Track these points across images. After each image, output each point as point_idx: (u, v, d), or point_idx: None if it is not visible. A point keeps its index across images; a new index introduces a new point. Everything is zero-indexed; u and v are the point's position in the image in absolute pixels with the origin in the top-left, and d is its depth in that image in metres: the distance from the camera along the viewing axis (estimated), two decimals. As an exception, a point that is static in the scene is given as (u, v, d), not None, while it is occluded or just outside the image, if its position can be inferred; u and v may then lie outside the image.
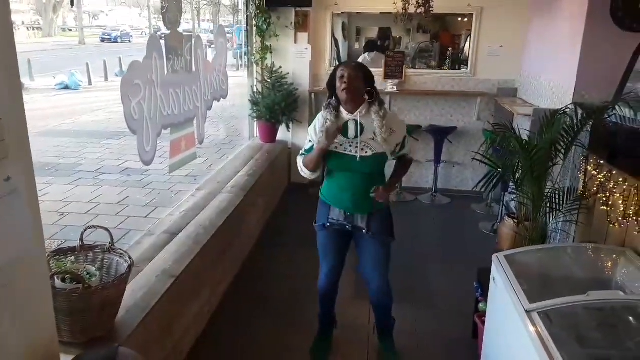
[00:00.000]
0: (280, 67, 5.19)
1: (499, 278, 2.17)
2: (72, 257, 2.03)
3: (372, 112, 2.33)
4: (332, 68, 5.39)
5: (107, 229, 2.09)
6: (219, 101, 3.77)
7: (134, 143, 2.54)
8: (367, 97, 2.36)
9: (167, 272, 2.44)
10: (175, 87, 3.02)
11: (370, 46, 6.24)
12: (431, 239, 4.45)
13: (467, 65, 5.38)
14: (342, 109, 2.39)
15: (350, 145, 2.33)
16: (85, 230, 2.08)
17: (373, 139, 2.32)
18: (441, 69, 5.86)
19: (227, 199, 3.56)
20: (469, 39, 5.96)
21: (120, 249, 2.09)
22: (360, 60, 6.08)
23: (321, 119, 2.40)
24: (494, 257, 2.27)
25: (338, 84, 2.32)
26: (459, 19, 6.14)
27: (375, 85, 2.42)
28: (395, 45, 6.82)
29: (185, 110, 3.18)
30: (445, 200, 5.30)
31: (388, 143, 2.33)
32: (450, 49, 6.34)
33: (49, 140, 7.60)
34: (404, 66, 5.30)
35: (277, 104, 4.99)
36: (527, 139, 3.66)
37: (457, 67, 5.96)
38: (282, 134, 5.36)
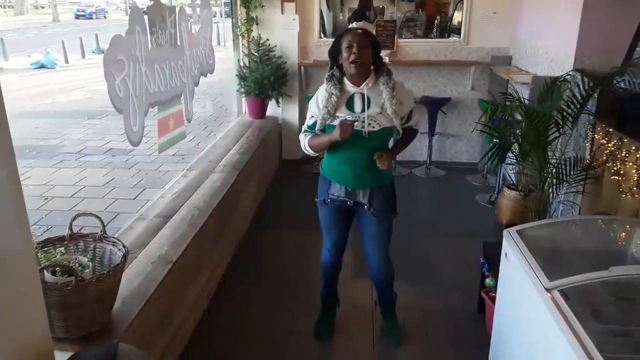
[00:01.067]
0: (268, 40, 4.99)
1: (512, 254, 2.09)
2: (62, 247, 1.89)
3: (381, 84, 2.18)
4: (321, 39, 5.27)
5: (97, 216, 1.95)
6: (205, 76, 3.60)
7: (116, 123, 2.41)
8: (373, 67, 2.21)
9: (164, 257, 2.32)
10: (160, 63, 2.85)
11: (356, 16, 6.04)
12: (428, 213, 4.38)
13: (457, 34, 5.23)
14: (346, 80, 2.22)
15: (356, 120, 2.17)
16: (75, 218, 1.94)
17: (381, 113, 2.18)
18: (428, 38, 5.71)
19: (220, 178, 3.42)
20: (457, 7, 5.83)
21: (113, 237, 1.96)
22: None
23: (324, 93, 2.22)
24: (505, 232, 2.18)
25: (345, 54, 2.14)
26: (445, -14, 5.98)
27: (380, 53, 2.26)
28: (376, 15, 6.64)
29: (172, 86, 3.02)
30: (440, 173, 5.23)
31: (397, 116, 2.19)
32: (438, 17, 6.17)
33: (28, 122, 7.32)
34: (396, 36, 5.13)
35: (266, 78, 4.81)
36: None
37: (445, 35, 5.82)
38: (272, 109, 5.20)
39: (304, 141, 2.37)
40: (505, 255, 2.19)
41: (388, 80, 2.18)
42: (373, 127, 2.18)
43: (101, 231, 1.96)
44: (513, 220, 3.81)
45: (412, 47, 5.18)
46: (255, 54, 4.97)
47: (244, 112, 5.24)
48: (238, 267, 3.36)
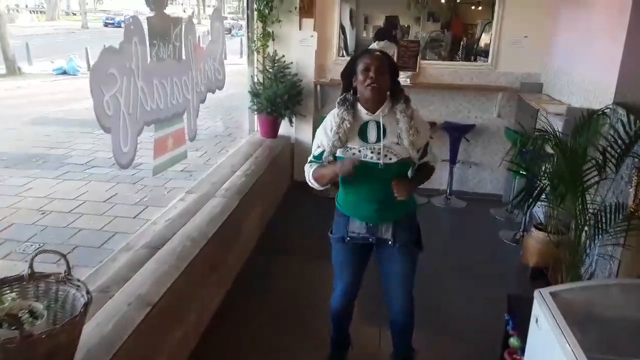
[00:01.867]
0: (283, 56, 4.76)
1: (544, 321, 1.77)
2: (18, 289, 1.64)
3: (398, 111, 1.98)
4: (340, 58, 5.02)
5: (62, 255, 1.70)
6: (213, 93, 3.37)
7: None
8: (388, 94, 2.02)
9: (143, 298, 2.05)
10: (161, 78, 2.62)
11: (380, 34, 5.80)
12: (446, 248, 4.04)
13: (484, 57, 4.93)
14: (359, 106, 2.02)
15: (372, 152, 1.97)
16: (37, 254, 1.68)
17: (397, 143, 1.98)
18: (453, 61, 5.44)
19: (221, 203, 3.16)
20: (485, 28, 5.55)
21: (78, 280, 1.69)
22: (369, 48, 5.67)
23: (335, 118, 2.02)
24: (536, 294, 1.87)
25: (361, 77, 1.96)
26: (472, 7, 5.71)
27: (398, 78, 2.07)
28: (404, 35, 6.40)
29: (174, 103, 2.79)
30: (460, 204, 4.89)
31: (414, 148, 1.98)
32: (464, 38, 5.91)
33: (41, 129, 7.22)
34: (419, 57, 4.86)
35: (279, 96, 4.57)
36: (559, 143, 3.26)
37: (471, 58, 5.54)
38: (285, 128, 4.94)
39: (309, 172, 2.18)
40: (536, 320, 1.87)
41: (405, 108, 1.99)
42: (390, 158, 1.97)
43: (65, 272, 1.70)
44: (540, 264, 3.47)
45: (436, 69, 4.89)
46: (270, 70, 4.74)
47: (255, 129, 5.00)
48: (234, 301, 3.08)
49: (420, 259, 2.27)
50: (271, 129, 4.80)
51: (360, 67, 1.96)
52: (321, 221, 4.29)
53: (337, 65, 4.99)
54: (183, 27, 2.86)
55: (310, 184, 2.21)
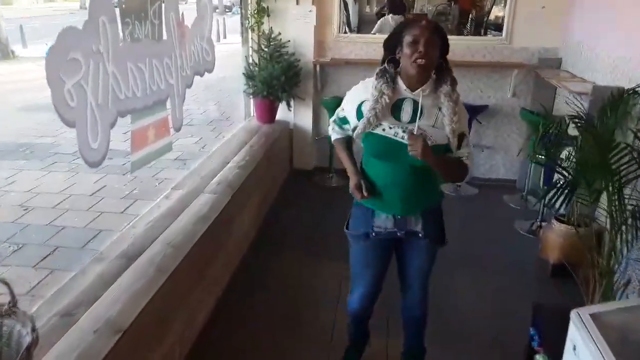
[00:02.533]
0: (280, 34, 4.40)
1: (584, 349, 1.48)
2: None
3: (442, 94, 1.76)
4: (342, 35, 4.65)
5: (6, 283, 1.41)
6: (202, 76, 3.07)
7: (123, 120, 2.03)
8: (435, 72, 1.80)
9: (112, 323, 1.77)
10: (137, 61, 2.31)
11: (396, 6, 5.38)
12: (457, 241, 3.66)
13: (494, 30, 4.55)
14: (399, 81, 1.79)
15: (404, 131, 1.75)
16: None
17: (434, 126, 1.76)
18: (461, 35, 5.06)
19: (210, 201, 2.86)
20: (495, 0, 5.17)
21: (24, 313, 1.41)
22: (381, 24, 5.27)
23: (373, 91, 1.78)
24: (573, 314, 1.57)
25: (408, 50, 1.71)
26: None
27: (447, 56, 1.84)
28: (409, 9, 6.01)
29: (154, 89, 2.49)
30: (472, 191, 4.57)
31: (454, 135, 1.76)
32: (473, 11, 5.51)
33: (32, 116, 6.91)
34: (426, 32, 4.47)
35: (275, 78, 4.22)
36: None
37: (481, 32, 5.17)
38: (283, 112, 4.61)
39: (333, 135, 2.09)
40: (574, 348, 1.57)
41: (452, 92, 1.77)
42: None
43: (10, 303, 1.42)
44: (562, 260, 3.16)
45: (445, 45, 4.50)
46: (265, 49, 4.38)
47: (252, 114, 4.67)
48: (232, 300, 2.83)
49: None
50: (268, 114, 4.47)
51: (407, 38, 1.71)
52: (323, 213, 4.01)
53: (338, 42, 4.62)
54: (163, 3, 2.54)
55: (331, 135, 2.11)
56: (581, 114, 2.73)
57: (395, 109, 1.78)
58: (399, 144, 1.75)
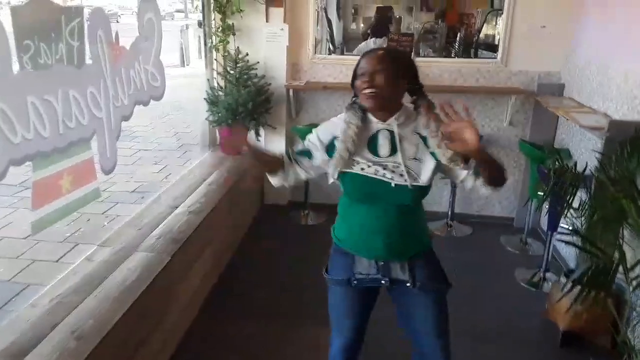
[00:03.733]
0: (247, 55, 3.88)
1: None
2: None
3: (419, 123, 1.63)
4: (319, 55, 4.16)
5: None
6: (146, 104, 2.58)
7: None
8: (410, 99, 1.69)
9: None
10: (43, 93, 1.79)
11: (377, 30, 4.93)
12: (451, 294, 3.19)
13: (485, 50, 4.08)
14: (369, 115, 1.67)
15: (384, 168, 1.61)
16: None
17: (416, 158, 1.62)
18: (449, 56, 4.61)
19: (144, 262, 2.30)
20: (487, 18, 4.75)
21: None
22: (360, 48, 4.80)
23: (340, 124, 1.67)
24: None
25: (359, 82, 1.62)
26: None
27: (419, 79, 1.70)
28: (397, 28, 5.56)
29: (71, 127, 1.99)
30: (465, 230, 4.05)
31: (446, 156, 1.56)
32: (461, 29, 5.07)
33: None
34: (412, 53, 3.99)
35: (242, 104, 3.70)
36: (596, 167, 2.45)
37: (471, 52, 4.74)
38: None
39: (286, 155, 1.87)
40: None
41: (428, 121, 1.60)
42: (405, 179, 1.59)
43: None
44: (575, 327, 2.64)
45: (434, 67, 4.02)
46: (231, 72, 3.86)
47: (217, 143, 4.13)
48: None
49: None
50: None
51: (358, 71, 1.62)
52: (298, 259, 3.48)
53: (314, 65, 4.11)
54: (86, 20, 2.04)
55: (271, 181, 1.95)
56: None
57: (371, 144, 1.64)
58: (381, 183, 1.60)
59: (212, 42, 3.91)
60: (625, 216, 2.52)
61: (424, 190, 1.63)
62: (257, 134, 3.92)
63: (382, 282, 1.73)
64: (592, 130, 2.76)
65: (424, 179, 1.60)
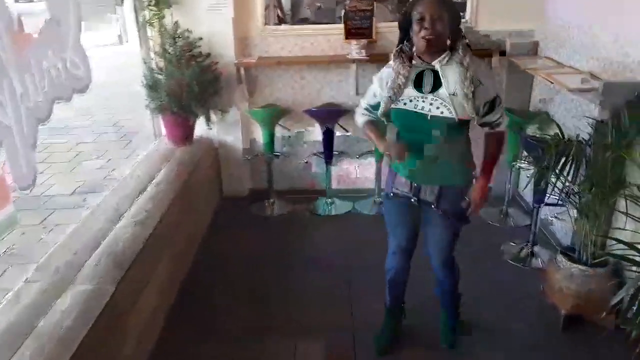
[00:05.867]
0: (188, 30, 3.38)
1: None
2: None
3: (455, 60, 1.84)
4: (269, 27, 3.70)
5: None
6: (69, 100, 2.13)
7: None
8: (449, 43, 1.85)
9: None
10: None
11: None
12: (427, 280, 2.93)
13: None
14: (417, 57, 1.89)
15: (424, 101, 1.89)
16: None
17: (454, 95, 1.84)
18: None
19: (84, 296, 1.88)
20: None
21: None
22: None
23: (390, 73, 1.93)
24: None
25: (416, 27, 1.81)
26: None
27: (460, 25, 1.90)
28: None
29: None
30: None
31: (472, 99, 1.83)
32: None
33: None
34: (374, 19, 3.60)
35: (186, 88, 3.23)
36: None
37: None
38: (205, 127, 3.60)
39: (361, 120, 2.18)
40: None
41: (463, 57, 1.83)
42: (442, 112, 1.86)
43: None
44: (578, 310, 2.44)
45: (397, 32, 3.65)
46: (170, 51, 3.36)
47: (163, 133, 3.65)
48: None
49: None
50: (182, 133, 3.47)
51: (415, 16, 1.81)
52: (264, 258, 3.17)
53: (266, 38, 3.66)
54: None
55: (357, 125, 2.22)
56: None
57: (417, 81, 1.89)
58: (419, 116, 1.88)
59: (145, 17, 3.38)
60: (624, 185, 2.31)
61: (457, 123, 1.85)
62: (208, 121, 3.46)
63: (412, 199, 2.04)
64: (583, 94, 2.49)
65: (459, 113, 1.83)
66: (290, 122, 3.82)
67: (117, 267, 2.08)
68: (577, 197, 2.46)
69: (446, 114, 1.84)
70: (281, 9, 4.62)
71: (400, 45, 1.91)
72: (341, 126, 3.73)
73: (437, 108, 1.86)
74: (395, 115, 1.95)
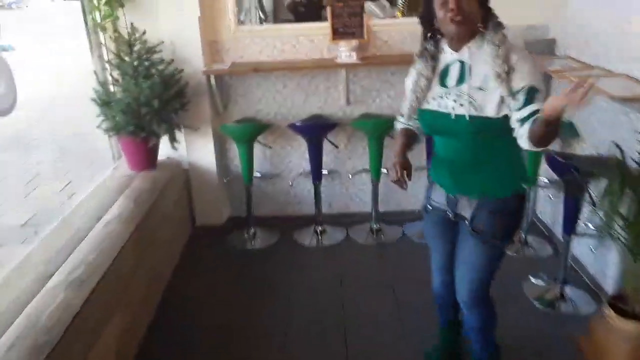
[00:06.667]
0: (145, 33, 2.85)
1: None
2: None
3: (486, 40, 1.56)
4: (243, 27, 3.15)
5: None
6: None
7: None
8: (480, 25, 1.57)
9: None
10: None
11: None
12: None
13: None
14: (445, 48, 1.65)
15: (447, 98, 1.62)
16: None
17: (481, 88, 1.56)
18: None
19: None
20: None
21: None
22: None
23: (414, 75, 1.71)
24: None
25: (441, 14, 1.56)
26: None
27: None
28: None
29: None
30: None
31: (506, 80, 1.51)
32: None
33: None
34: (364, 16, 3.10)
35: (145, 104, 2.70)
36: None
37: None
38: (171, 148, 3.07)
39: (397, 127, 1.92)
40: None
41: (494, 35, 1.55)
42: (467, 109, 1.57)
43: None
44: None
45: (393, 30, 3.15)
46: (126, 58, 2.83)
47: (122, 156, 3.11)
48: None
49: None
50: (141, 157, 2.94)
51: (436, 1, 1.56)
52: (243, 303, 2.77)
53: (240, 39, 3.14)
54: None
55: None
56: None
57: (443, 75, 1.66)
58: (442, 116, 1.64)
59: (94, 20, 2.85)
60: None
61: (487, 122, 1.56)
62: (172, 141, 2.93)
63: (448, 213, 1.78)
64: (629, 103, 1.99)
65: (488, 111, 1.55)
66: (271, 138, 3.31)
67: (58, 321, 1.55)
68: (627, 231, 1.97)
69: (472, 111, 1.57)
70: (262, 10, 4.12)
71: (425, 45, 1.68)
72: (331, 142, 3.22)
73: (461, 105, 1.59)
74: (420, 118, 1.74)
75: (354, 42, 3.04)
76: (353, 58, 3.01)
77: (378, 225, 3.30)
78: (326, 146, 3.21)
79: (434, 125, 1.71)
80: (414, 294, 2.59)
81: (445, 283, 1.96)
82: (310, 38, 3.11)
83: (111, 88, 2.92)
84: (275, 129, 3.26)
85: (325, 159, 3.25)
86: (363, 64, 3.04)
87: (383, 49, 3.15)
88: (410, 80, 1.74)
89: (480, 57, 1.58)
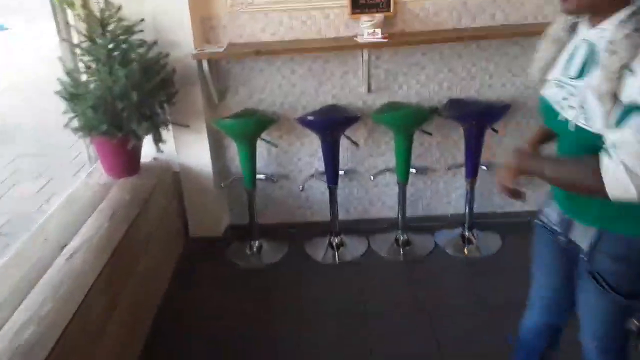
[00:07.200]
0: (121, 9, 2.31)
1: None
2: None
3: (629, 25, 1.06)
4: (244, 1, 2.66)
5: None
6: None
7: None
8: None
9: None
10: None
11: None
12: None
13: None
14: (584, 20, 1.22)
15: (561, 90, 1.22)
16: None
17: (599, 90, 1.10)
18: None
19: None
20: None
21: None
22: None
23: (550, 34, 1.33)
24: None
25: None
26: None
27: None
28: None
29: None
30: (491, 242, 2.79)
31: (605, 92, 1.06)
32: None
33: None
34: (391, -18, 2.54)
35: (121, 96, 2.18)
36: None
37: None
38: (164, 147, 2.55)
39: None
40: None
41: (625, 20, 1.07)
42: (575, 114, 1.16)
43: None
44: None
45: (427, 0, 2.59)
46: (99, 41, 2.29)
47: (97, 161, 2.59)
48: None
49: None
50: (120, 161, 2.42)
51: None
52: (246, 334, 2.33)
53: (239, 16, 2.58)
54: None
55: None
56: None
57: (569, 58, 1.23)
58: (552, 110, 1.25)
59: (56, -6, 2.31)
60: None
61: (596, 139, 1.09)
62: (157, 141, 2.41)
63: (559, 235, 1.37)
64: None
65: (595, 123, 1.10)
66: (278, 134, 2.78)
67: None
68: None
69: (580, 120, 1.15)
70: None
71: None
72: (349, 138, 2.69)
73: (571, 107, 1.19)
74: (539, 102, 1.35)
75: (378, 17, 2.49)
76: (377, 36, 2.46)
77: (406, 236, 2.79)
78: (342, 142, 2.69)
79: (545, 117, 1.33)
80: (457, 323, 2.15)
81: (542, 327, 1.55)
82: (325, 12, 2.56)
83: (84, 77, 2.40)
84: (281, 124, 2.74)
85: (342, 156, 2.74)
86: (389, 43, 2.49)
87: (414, 24, 2.59)
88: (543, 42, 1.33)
89: (620, 43, 1.09)
